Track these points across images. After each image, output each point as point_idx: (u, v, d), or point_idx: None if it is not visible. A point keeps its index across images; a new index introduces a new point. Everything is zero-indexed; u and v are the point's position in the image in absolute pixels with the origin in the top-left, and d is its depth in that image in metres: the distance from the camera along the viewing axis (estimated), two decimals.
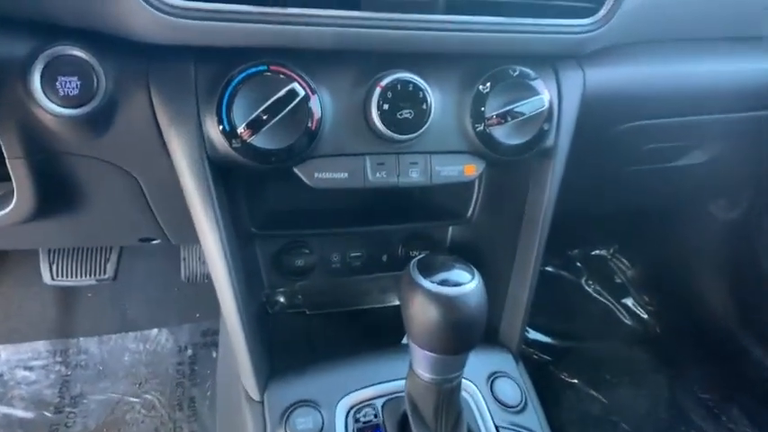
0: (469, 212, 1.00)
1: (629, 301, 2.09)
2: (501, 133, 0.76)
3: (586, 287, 2.14)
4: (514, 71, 0.76)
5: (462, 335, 0.59)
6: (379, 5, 0.66)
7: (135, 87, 0.68)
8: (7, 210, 0.82)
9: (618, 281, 2.14)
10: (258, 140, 0.67)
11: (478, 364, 0.82)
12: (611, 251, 2.19)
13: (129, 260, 1.79)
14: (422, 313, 0.58)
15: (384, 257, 1.04)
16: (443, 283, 0.58)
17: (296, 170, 0.73)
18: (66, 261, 1.57)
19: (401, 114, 0.70)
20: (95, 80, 0.65)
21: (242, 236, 0.87)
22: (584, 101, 0.86)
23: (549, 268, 2.16)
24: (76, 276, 1.60)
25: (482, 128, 0.76)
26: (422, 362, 0.63)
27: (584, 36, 0.76)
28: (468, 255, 1.01)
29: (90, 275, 1.61)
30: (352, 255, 1.02)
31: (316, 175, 0.73)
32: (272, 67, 0.67)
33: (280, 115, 0.66)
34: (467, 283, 0.58)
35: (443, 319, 0.57)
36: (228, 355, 0.95)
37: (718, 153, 1.20)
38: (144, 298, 1.87)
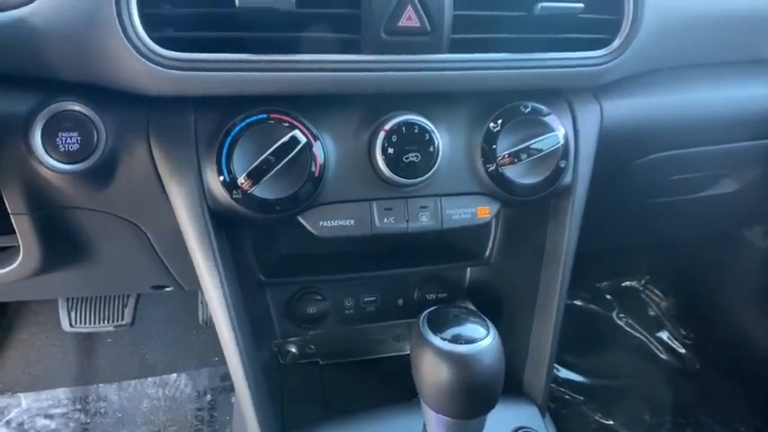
0: (487, 253, 0.95)
1: (664, 335, 1.99)
2: (514, 173, 0.72)
3: (618, 321, 2.04)
4: (526, 107, 0.73)
5: (477, 397, 0.54)
6: (380, 48, 0.64)
7: (135, 139, 0.67)
8: (14, 265, 0.81)
9: (651, 313, 2.04)
10: (259, 191, 0.65)
11: (500, 419, 0.76)
12: (643, 282, 2.10)
13: (147, 305, 1.79)
14: (432, 373, 0.54)
15: (400, 301, 1.00)
16: (455, 339, 0.54)
17: (300, 219, 0.70)
18: (85, 308, 1.57)
19: (407, 158, 0.67)
20: (95, 135, 0.65)
21: (249, 284, 0.84)
22: (603, 134, 0.82)
23: (577, 302, 2.08)
24: (95, 323, 1.59)
25: (494, 168, 0.72)
26: (435, 424, 0.58)
27: (599, 68, 0.73)
28: (488, 297, 0.96)
29: (108, 322, 1.61)
30: (366, 300, 0.98)
31: (321, 223, 0.70)
32: (272, 115, 0.65)
33: (281, 164, 0.63)
34: (481, 340, 0.54)
35: (456, 380, 0.53)
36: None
37: (751, 180, 1.13)
38: (163, 342, 1.86)
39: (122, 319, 1.62)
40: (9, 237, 0.78)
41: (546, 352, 0.84)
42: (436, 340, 0.54)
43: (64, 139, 0.64)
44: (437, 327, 0.55)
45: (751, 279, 1.73)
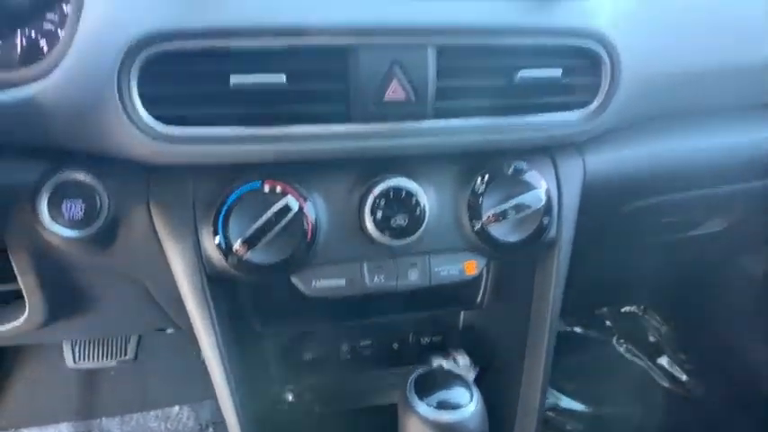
0: (479, 299, 0.98)
1: (664, 361, 1.98)
2: (499, 231, 0.75)
3: (618, 347, 2.05)
4: (509, 167, 0.76)
5: None
6: (367, 117, 0.67)
7: (136, 205, 0.70)
8: (20, 321, 0.84)
9: (651, 339, 2.04)
10: (254, 256, 0.68)
11: None
12: (643, 308, 2.11)
13: (149, 338, 1.80)
14: None
15: (395, 345, 1.02)
16: (441, 405, 0.56)
17: (293, 279, 0.72)
18: (88, 345, 1.60)
19: (395, 221, 0.70)
20: (99, 202, 0.68)
21: (246, 335, 0.87)
22: (587, 187, 0.84)
23: (577, 329, 2.09)
24: (98, 359, 1.62)
25: (480, 226, 0.75)
26: None
27: (579, 129, 0.76)
28: (481, 342, 0.98)
29: (111, 357, 1.63)
30: (362, 344, 1.01)
31: (313, 283, 0.73)
32: (266, 183, 0.68)
33: (274, 230, 0.66)
34: (466, 405, 0.56)
35: None
36: None
37: (739, 219, 1.15)
38: (165, 374, 1.87)
39: (125, 355, 1.64)
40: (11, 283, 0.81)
41: (535, 401, 0.86)
42: (422, 407, 0.56)
43: (69, 206, 0.68)
44: (423, 392, 0.57)
45: (749, 305, 1.73)
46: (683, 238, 1.16)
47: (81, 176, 0.68)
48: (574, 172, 0.82)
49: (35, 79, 0.61)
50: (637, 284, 1.95)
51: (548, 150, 0.81)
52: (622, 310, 2.10)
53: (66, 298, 0.84)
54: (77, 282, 0.82)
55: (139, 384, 1.84)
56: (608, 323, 2.09)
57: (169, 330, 1.16)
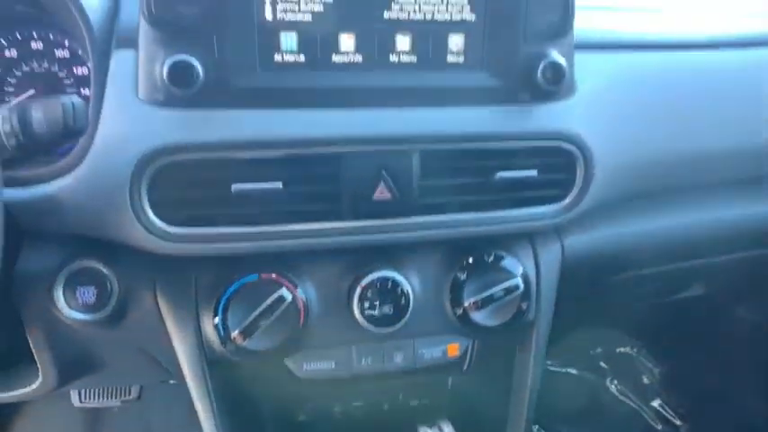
0: (465, 366, 1.02)
1: (656, 403, 2.00)
2: (480, 316, 0.80)
3: (612, 389, 2.07)
4: (489, 256, 0.81)
5: None
6: (357, 215, 0.73)
7: (144, 292, 0.77)
8: (33, 387, 0.90)
9: (645, 381, 2.06)
10: (250, 343, 0.73)
11: None
12: (637, 349, 2.13)
13: None
14: None
15: (385, 406, 1.07)
16: None
17: (286, 362, 0.78)
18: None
19: (381, 311, 0.76)
20: (110, 288, 0.74)
21: (244, 413, 0.92)
22: (566, 267, 0.90)
23: (571, 370, 2.11)
24: (103, 399, 1.67)
25: (462, 312, 0.80)
26: None
27: (555, 220, 0.81)
28: (467, 407, 1.03)
29: (116, 398, 1.68)
30: (354, 405, 1.05)
31: (304, 366, 0.78)
32: (262, 276, 0.74)
33: (270, 320, 0.72)
34: None
35: None
36: None
37: (721, 285, 1.20)
38: (169, 412, 1.91)
39: (130, 395, 1.69)
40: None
41: None
42: None
43: (82, 292, 0.74)
44: None
45: (743, 350, 1.76)
46: (666, 301, 1.21)
47: (95, 264, 0.74)
48: (552, 255, 0.88)
49: (53, 179, 0.68)
50: (633, 323, 1.98)
51: (527, 235, 0.87)
52: (617, 350, 2.13)
53: (77, 363, 0.90)
54: (89, 349, 0.88)
55: (143, 423, 1.88)
56: (602, 364, 2.12)
57: (172, 381, 1.22)
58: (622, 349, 2.13)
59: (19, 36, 0.86)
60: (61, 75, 0.88)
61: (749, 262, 1.11)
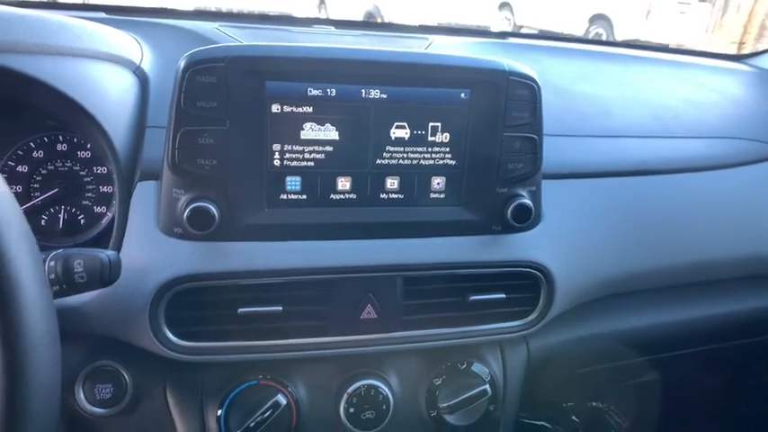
0: None
1: None
2: (452, 418, 0.90)
3: None
4: (462, 364, 0.92)
5: None
6: (345, 331, 0.83)
7: (154, 388, 0.86)
8: None
9: None
10: None
11: None
12: (608, 404, 2.22)
13: None
14: None
15: None
16: None
17: None
18: None
19: (365, 415, 0.86)
20: (125, 385, 0.84)
21: None
22: (531, 366, 1.00)
23: (545, 423, 2.19)
24: None
25: (435, 414, 0.90)
26: None
27: (523, 332, 0.92)
28: None
29: None
30: None
31: None
32: (261, 382, 0.84)
33: (265, 424, 0.82)
34: None
35: None
36: None
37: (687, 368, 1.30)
38: None
39: None
40: None
41: None
42: None
43: (100, 389, 0.83)
44: None
45: (716, 409, 1.84)
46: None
47: (111, 363, 0.83)
48: (518, 358, 0.98)
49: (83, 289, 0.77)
50: (603, 379, 2.06)
51: (497, 342, 0.97)
52: (588, 404, 2.21)
53: None
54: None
55: None
56: (574, 418, 2.20)
57: None
58: (594, 404, 2.22)
59: (46, 139, 0.96)
60: (83, 173, 0.98)
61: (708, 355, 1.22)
